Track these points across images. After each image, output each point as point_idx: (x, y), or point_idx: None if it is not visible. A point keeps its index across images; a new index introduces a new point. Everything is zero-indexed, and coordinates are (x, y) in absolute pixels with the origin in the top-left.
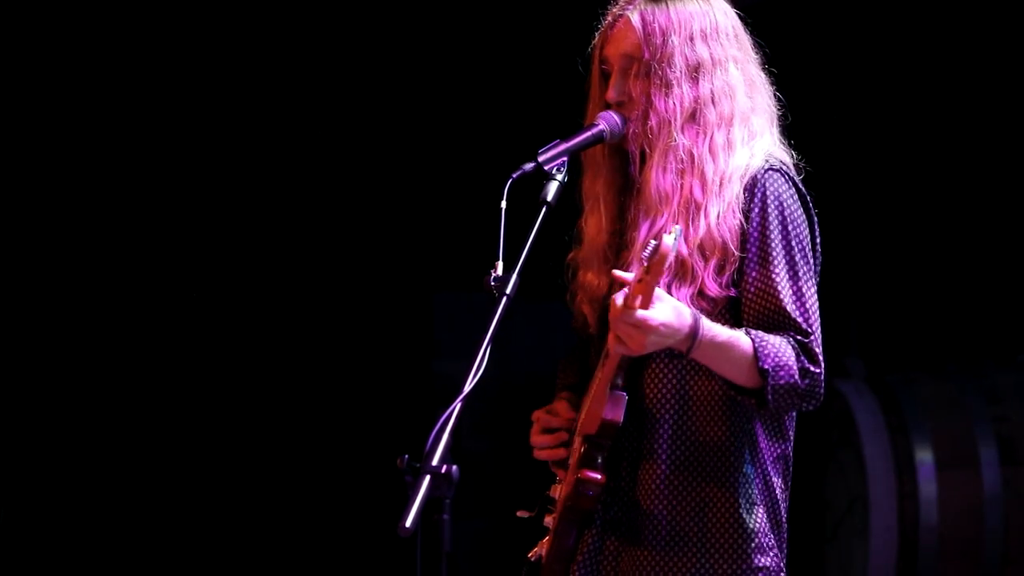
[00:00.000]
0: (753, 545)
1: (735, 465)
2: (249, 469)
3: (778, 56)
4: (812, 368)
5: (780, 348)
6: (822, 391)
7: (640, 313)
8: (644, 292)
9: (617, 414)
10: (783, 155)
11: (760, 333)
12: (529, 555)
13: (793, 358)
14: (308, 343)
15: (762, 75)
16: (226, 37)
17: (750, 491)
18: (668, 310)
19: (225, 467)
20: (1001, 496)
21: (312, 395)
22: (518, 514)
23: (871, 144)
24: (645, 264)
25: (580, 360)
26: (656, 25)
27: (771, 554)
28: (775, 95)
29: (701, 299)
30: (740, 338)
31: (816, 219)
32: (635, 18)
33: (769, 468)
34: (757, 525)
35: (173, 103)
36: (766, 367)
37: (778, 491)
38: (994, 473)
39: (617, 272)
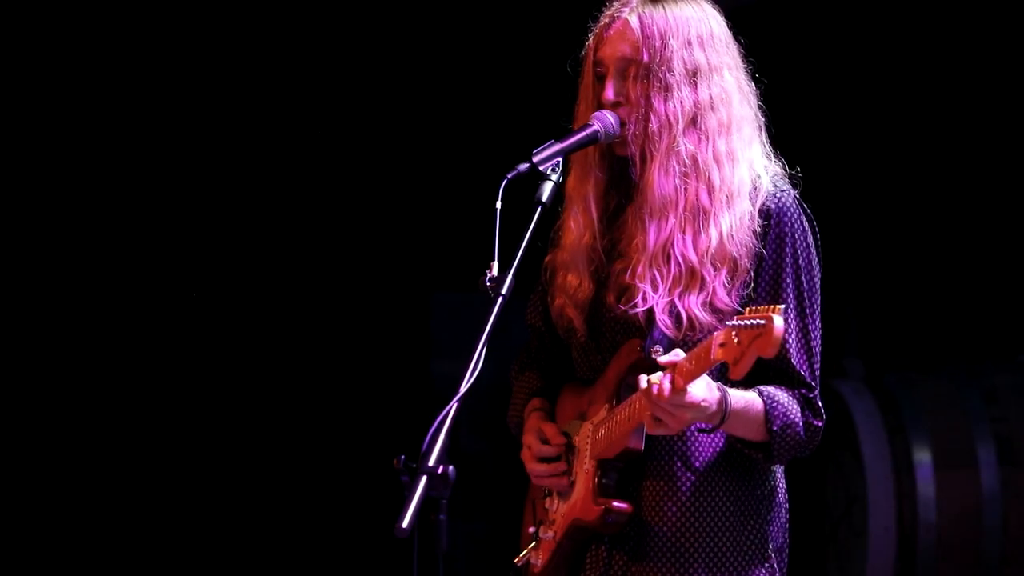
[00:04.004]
0: (748, 555)
1: (745, 476)
2: (247, 469)
3: (777, 52)
4: (815, 423)
5: (788, 407)
6: (819, 440)
7: (688, 396)
8: (733, 360)
9: (640, 443)
10: (778, 168)
11: (771, 392)
12: (516, 560)
13: (799, 415)
14: (306, 343)
15: (751, 84)
16: (226, 37)
17: (758, 501)
18: (703, 386)
19: (223, 467)
20: (999, 496)
21: (310, 395)
22: (529, 530)
23: (870, 144)
24: (734, 334)
25: (541, 364)
26: (655, 28)
27: (766, 566)
28: (760, 105)
29: (710, 309)
30: (754, 401)
31: (818, 236)
32: (633, 20)
33: (778, 473)
34: (759, 536)
35: (173, 103)
36: (775, 428)
37: (781, 495)
38: (992, 473)
39: (663, 358)
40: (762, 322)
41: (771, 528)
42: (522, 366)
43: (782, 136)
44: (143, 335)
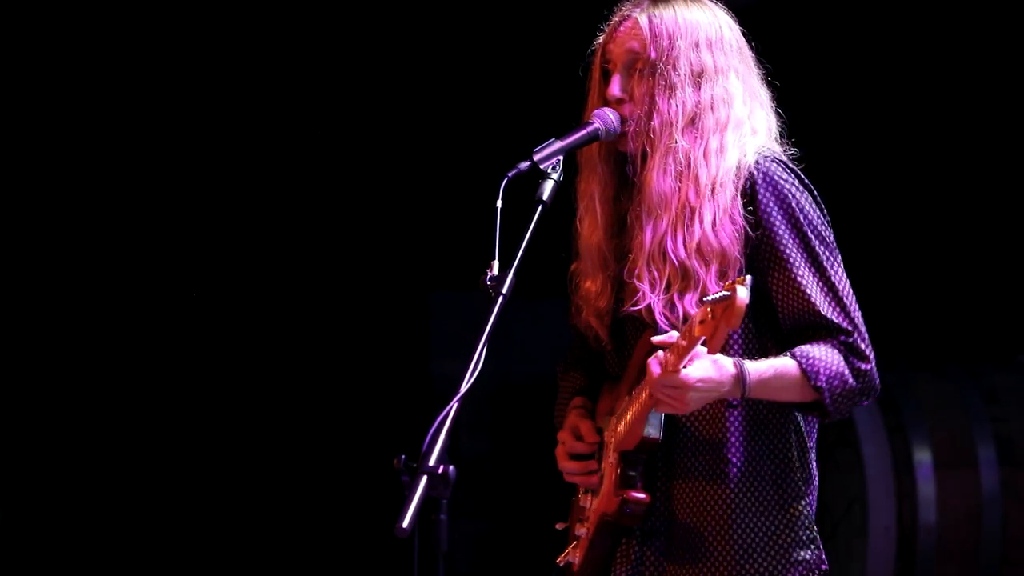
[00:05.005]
0: (792, 539)
1: (778, 461)
2: (247, 469)
3: (777, 51)
4: (862, 366)
5: (828, 359)
6: (877, 383)
7: (681, 375)
8: (710, 334)
9: (656, 431)
10: (774, 146)
11: (804, 350)
12: (558, 560)
13: (842, 363)
14: (305, 343)
15: (764, 89)
16: (226, 37)
17: (796, 485)
18: (706, 365)
19: (223, 467)
20: (999, 497)
21: (309, 395)
22: (556, 526)
23: (870, 143)
24: (709, 309)
25: (585, 363)
26: (664, 28)
27: (812, 547)
28: (776, 111)
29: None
30: (787, 365)
31: (818, 195)
32: (643, 19)
33: (811, 454)
34: (799, 518)
35: (173, 103)
36: (820, 384)
37: (816, 477)
38: (992, 474)
39: (656, 338)
40: (728, 293)
41: (811, 510)
42: (567, 365)
43: (781, 137)
44: (143, 335)
